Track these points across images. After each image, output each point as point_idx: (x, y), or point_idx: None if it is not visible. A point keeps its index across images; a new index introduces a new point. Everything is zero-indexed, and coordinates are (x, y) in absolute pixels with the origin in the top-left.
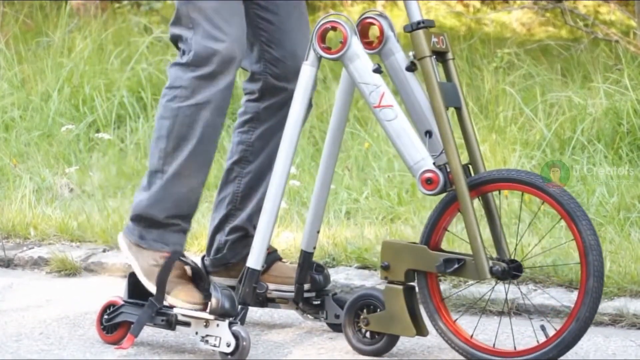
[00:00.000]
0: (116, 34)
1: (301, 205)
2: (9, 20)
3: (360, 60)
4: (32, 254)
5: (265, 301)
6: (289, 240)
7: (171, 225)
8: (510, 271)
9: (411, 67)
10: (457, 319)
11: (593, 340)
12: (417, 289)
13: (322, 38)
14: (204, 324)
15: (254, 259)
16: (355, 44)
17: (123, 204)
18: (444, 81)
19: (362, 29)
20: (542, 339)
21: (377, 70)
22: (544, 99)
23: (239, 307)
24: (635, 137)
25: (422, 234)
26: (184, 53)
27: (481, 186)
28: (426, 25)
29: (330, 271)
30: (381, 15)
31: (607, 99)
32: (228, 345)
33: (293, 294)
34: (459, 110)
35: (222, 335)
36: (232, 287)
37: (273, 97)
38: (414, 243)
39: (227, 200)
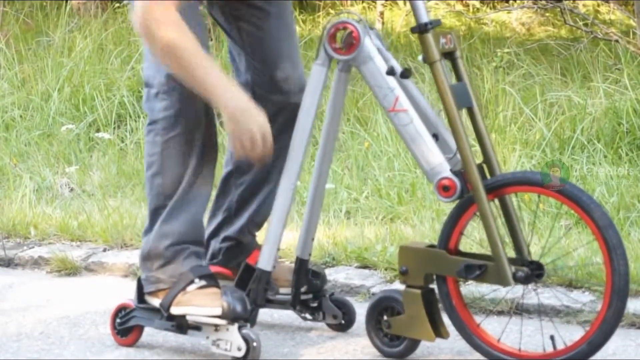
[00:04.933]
0: (116, 34)
1: (301, 204)
2: (9, 19)
3: (374, 62)
4: (33, 254)
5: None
6: (288, 240)
7: (181, 252)
8: (533, 275)
9: (405, 74)
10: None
11: None
12: (437, 293)
13: (334, 38)
14: (214, 328)
15: (265, 260)
16: (369, 45)
17: (123, 203)
18: (455, 82)
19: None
20: (549, 347)
21: (391, 73)
22: (544, 98)
23: (250, 309)
24: (635, 137)
25: (439, 237)
26: (149, 83)
27: (498, 189)
28: (433, 25)
29: (330, 271)
30: (371, 27)
31: (606, 99)
32: (239, 349)
33: (290, 297)
34: (470, 109)
35: (233, 339)
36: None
37: (263, 108)
38: (432, 246)
39: (223, 208)
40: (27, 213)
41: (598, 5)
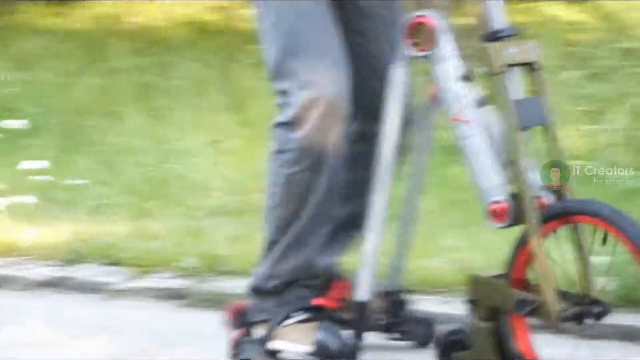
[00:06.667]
0: None
1: None
2: None
3: (450, 63)
4: None
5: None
6: None
7: (288, 286)
8: (587, 314)
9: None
10: None
11: None
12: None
13: (412, 33)
14: None
15: (362, 290)
16: (448, 44)
17: None
18: (527, 97)
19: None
20: None
21: (466, 78)
22: None
23: (350, 345)
24: None
25: (504, 269)
26: (282, 109)
27: (562, 217)
28: (506, 34)
29: (72, 269)
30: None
31: None
32: None
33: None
34: (545, 127)
35: None
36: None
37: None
38: (499, 276)
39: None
40: None
41: None
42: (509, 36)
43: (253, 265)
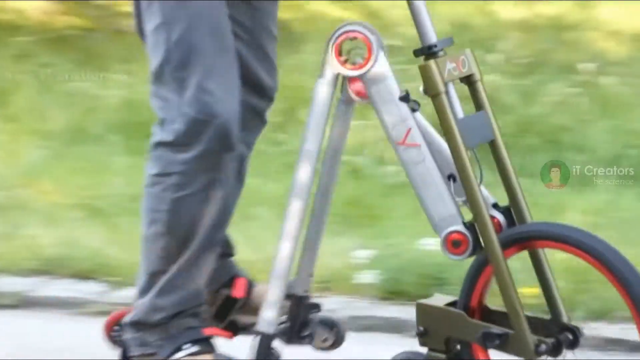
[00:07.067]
0: None
1: None
2: None
3: (387, 83)
4: None
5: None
6: None
7: (174, 317)
8: (562, 345)
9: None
10: None
11: None
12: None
13: (340, 50)
14: None
15: (266, 323)
16: (383, 62)
17: None
18: (470, 114)
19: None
20: None
21: (405, 99)
22: (62, 88)
23: None
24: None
25: (459, 295)
26: (164, 125)
27: (524, 242)
28: (442, 47)
29: None
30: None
31: (123, 90)
32: None
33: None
34: (492, 143)
35: None
36: None
37: None
38: (452, 304)
39: None
40: None
41: None
42: (443, 49)
43: (17, 262)
